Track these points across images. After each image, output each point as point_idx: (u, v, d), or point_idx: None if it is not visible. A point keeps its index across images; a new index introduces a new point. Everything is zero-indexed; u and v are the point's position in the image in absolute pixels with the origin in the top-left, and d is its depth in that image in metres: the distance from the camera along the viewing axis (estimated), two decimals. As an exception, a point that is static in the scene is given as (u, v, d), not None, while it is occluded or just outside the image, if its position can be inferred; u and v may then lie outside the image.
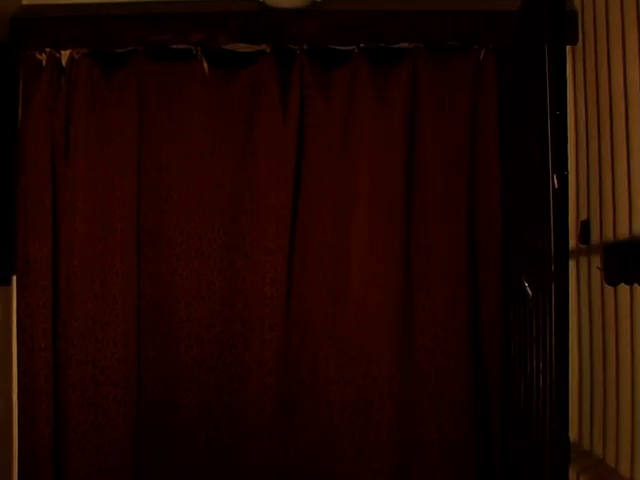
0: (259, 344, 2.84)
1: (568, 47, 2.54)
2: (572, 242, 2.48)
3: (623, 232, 2.14)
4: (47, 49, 2.87)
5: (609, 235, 2.24)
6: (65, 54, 2.89)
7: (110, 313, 2.84)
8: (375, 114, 2.85)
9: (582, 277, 2.46)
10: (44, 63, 2.88)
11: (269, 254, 2.84)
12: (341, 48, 2.88)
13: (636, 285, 2.06)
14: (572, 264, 2.48)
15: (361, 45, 2.85)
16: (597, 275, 2.30)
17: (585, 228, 2.42)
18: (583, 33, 2.49)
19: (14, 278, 2.89)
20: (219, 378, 2.87)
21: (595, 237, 2.36)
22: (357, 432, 2.81)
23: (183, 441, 2.87)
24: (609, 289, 2.21)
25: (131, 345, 2.84)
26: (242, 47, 2.90)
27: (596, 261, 2.30)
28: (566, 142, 2.36)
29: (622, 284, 2.11)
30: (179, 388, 2.86)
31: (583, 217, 2.45)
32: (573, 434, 2.47)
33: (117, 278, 2.84)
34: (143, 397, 2.87)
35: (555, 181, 2.27)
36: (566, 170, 2.32)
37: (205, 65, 2.87)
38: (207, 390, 2.86)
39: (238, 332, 2.87)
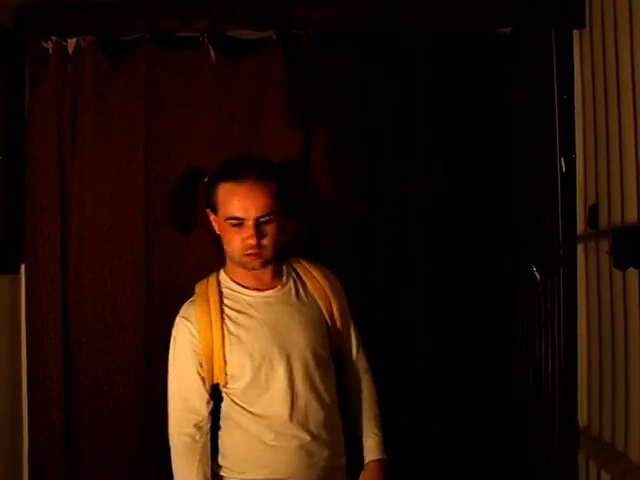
0: None
1: (575, 31, 2.53)
2: (580, 226, 2.47)
3: (631, 216, 2.12)
4: (53, 37, 2.88)
5: (617, 219, 2.22)
6: (72, 42, 2.89)
7: (120, 300, 2.86)
8: (382, 101, 2.83)
9: (590, 261, 2.45)
10: (51, 51, 2.88)
11: None
12: (347, 33, 2.87)
13: (645, 269, 2.06)
14: (580, 248, 2.47)
15: (365, 31, 2.83)
16: (606, 259, 2.29)
17: (593, 212, 2.41)
18: (590, 16, 2.47)
19: (22, 267, 2.91)
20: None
21: (603, 221, 2.35)
22: None
23: None
24: (618, 273, 2.20)
25: (141, 332, 2.86)
26: (249, 34, 2.90)
27: (605, 245, 2.29)
28: (574, 126, 2.36)
29: (631, 268, 2.10)
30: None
31: (591, 201, 2.44)
32: (582, 419, 2.47)
33: (127, 266, 2.86)
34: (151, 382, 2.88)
35: (563, 165, 2.27)
36: (574, 154, 2.32)
37: (212, 52, 2.86)
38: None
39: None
